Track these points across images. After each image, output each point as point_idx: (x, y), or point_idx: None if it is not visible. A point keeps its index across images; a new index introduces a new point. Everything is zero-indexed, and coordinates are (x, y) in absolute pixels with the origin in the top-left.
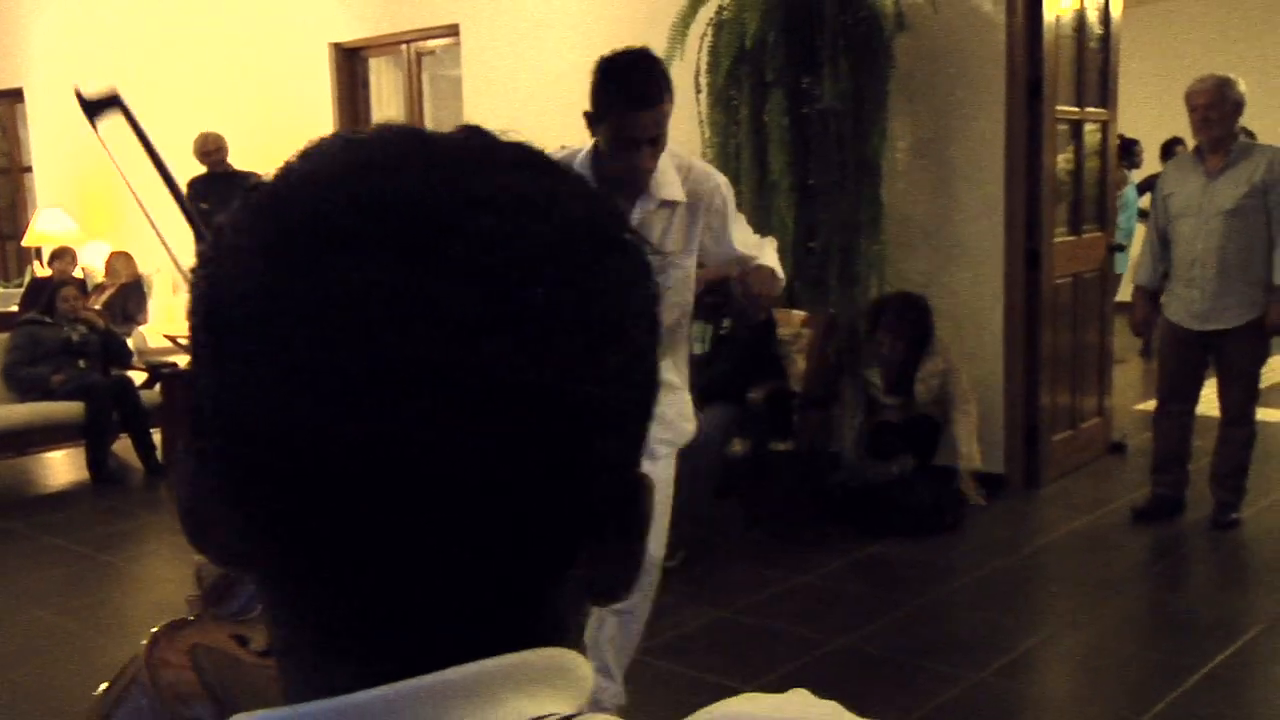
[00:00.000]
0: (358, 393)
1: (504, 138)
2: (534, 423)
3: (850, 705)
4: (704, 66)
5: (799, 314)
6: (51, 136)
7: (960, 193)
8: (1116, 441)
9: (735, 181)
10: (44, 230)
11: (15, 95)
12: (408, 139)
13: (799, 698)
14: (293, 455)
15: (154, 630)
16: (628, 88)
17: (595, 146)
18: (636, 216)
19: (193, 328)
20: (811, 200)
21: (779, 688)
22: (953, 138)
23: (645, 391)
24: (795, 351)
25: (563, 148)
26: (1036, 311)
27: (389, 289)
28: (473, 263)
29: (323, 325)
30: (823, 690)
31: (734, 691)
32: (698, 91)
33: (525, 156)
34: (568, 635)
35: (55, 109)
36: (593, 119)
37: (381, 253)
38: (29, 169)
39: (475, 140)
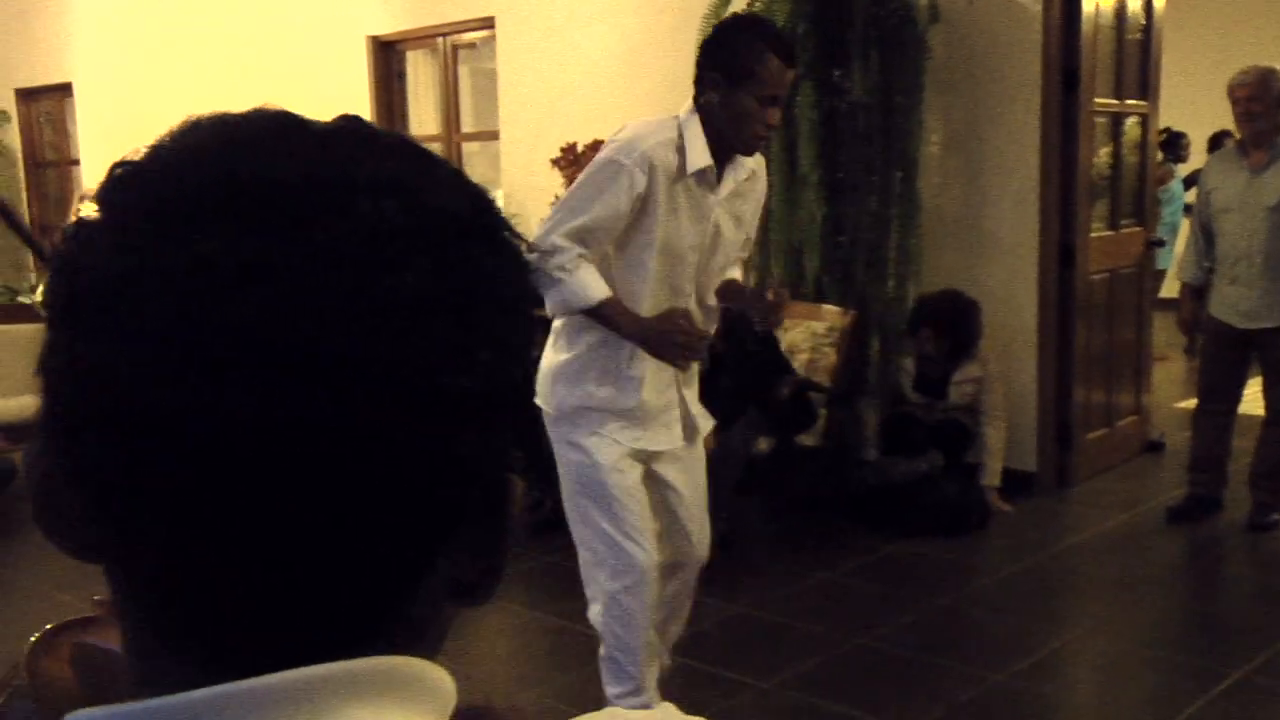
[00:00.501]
0: (215, 374)
1: (383, 129)
2: (395, 413)
3: (865, 704)
4: None
5: (831, 309)
6: (99, 129)
7: (993, 187)
8: (1154, 440)
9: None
10: None
11: (65, 90)
12: (284, 121)
13: (662, 713)
14: (140, 436)
15: (36, 635)
16: (782, 44)
17: (703, 110)
18: (729, 186)
19: (51, 305)
20: (840, 194)
21: (795, 685)
22: (986, 131)
23: (516, 391)
24: (827, 346)
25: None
26: (1071, 307)
27: (257, 269)
28: (343, 247)
29: (186, 303)
30: (839, 689)
31: (749, 688)
32: None
33: (403, 145)
34: (426, 641)
35: (102, 102)
36: (725, 79)
37: (252, 232)
38: (77, 162)
39: (353, 127)
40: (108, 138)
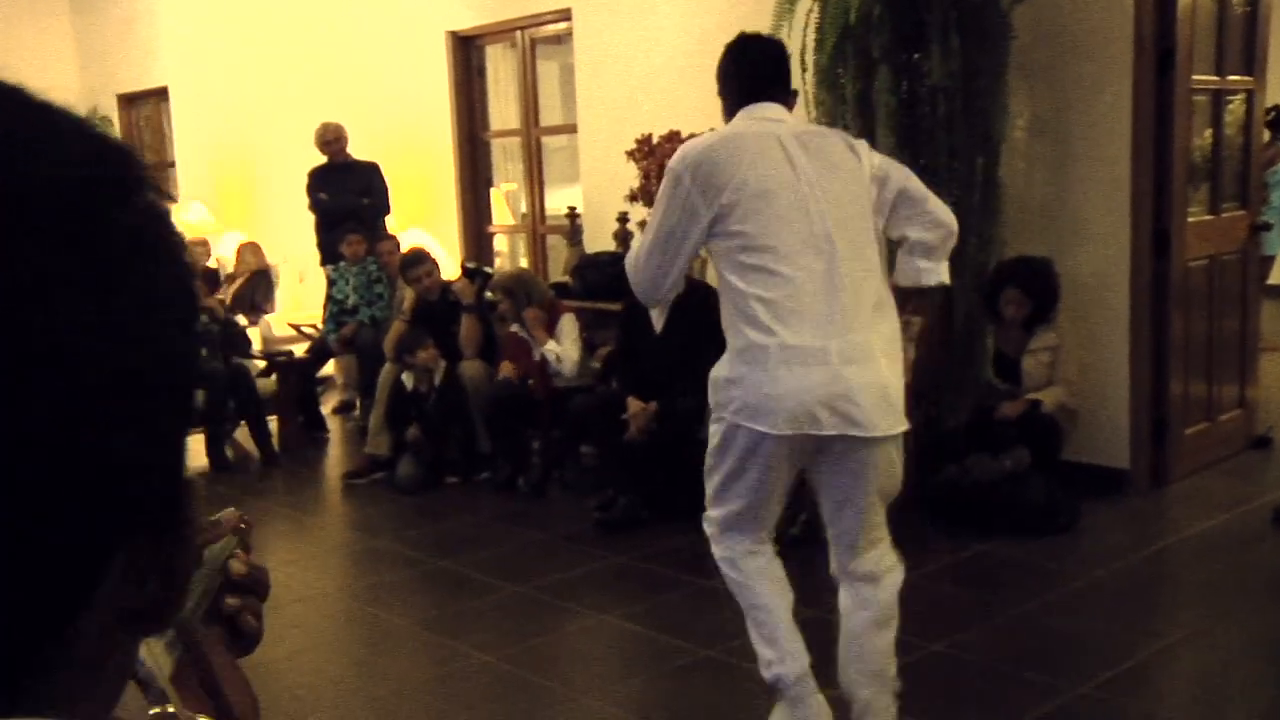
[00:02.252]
0: None
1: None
2: (27, 405)
3: (938, 716)
4: (810, 44)
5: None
6: (193, 132)
7: (1082, 171)
8: (1262, 435)
9: None
10: (183, 222)
11: (162, 94)
12: None
13: None
14: None
15: None
16: None
17: None
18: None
19: None
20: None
21: None
22: (1074, 114)
23: (175, 387)
24: (906, 341)
25: None
26: (1166, 295)
27: None
28: None
29: None
30: (910, 698)
31: None
32: (803, 70)
33: (16, 95)
34: (104, 681)
35: (195, 105)
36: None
37: None
38: (174, 164)
39: None
40: (201, 140)
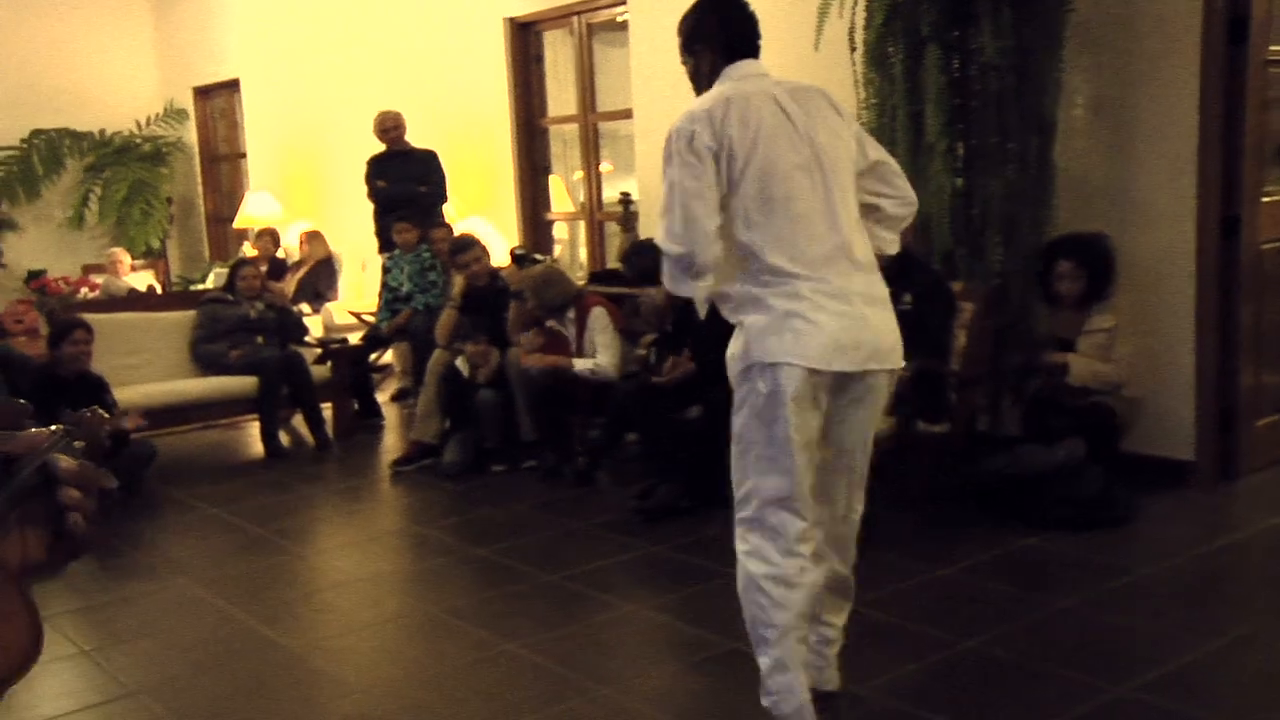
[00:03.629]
0: None
1: None
2: None
3: (967, 715)
4: (859, 22)
5: (959, 287)
6: (261, 123)
7: (1145, 152)
8: None
9: (890, 144)
10: (252, 213)
11: (234, 86)
12: None
13: None
14: None
15: None
16: None
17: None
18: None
19: None
20: (972, 164)
21: (893, 691)
22: (1136, 91)
23: None
24: (956, 326)
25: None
26: (1235, 281)
27: None
28: None
29: None
30: (940, 697)
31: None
32: (852, 49)
33: None
34: None
35: (264, 96)
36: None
37: None
38: (244, 155)
39: None
40: (269, 130)
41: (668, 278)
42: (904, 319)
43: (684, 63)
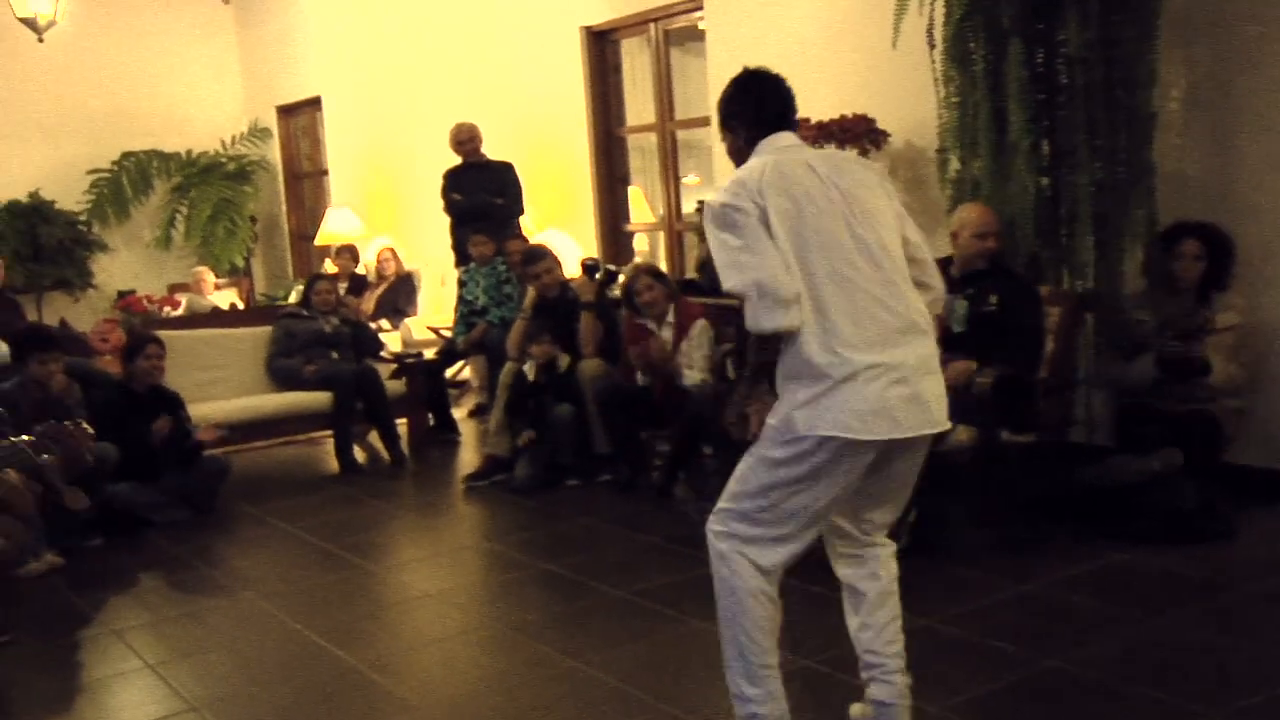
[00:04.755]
0: None
1: None
2: None
3: None
4: (939, 18)
5: (1049, 290)
6: (342, 140)
7: (1248, 146)
8: None
9: (972, 144)
10: (333, 229)
11: (316, 104)
12: None
13: None
14: None
15: None
16: None
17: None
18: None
19: None
20: (1058, 162)
21: (969, 711)
22: (1238, 81)
23: None
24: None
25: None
26: None
27: None
28: None
29: None
30: (1024, 717)
31: (916, 712)
32: (931, 46)
33: None
34: None
35: (345, 113)
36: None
37: None
38: (327, 172)
39: None
40: (350, 147)
41: (755, 322)
42: (988, 320)
43: (722, 139)
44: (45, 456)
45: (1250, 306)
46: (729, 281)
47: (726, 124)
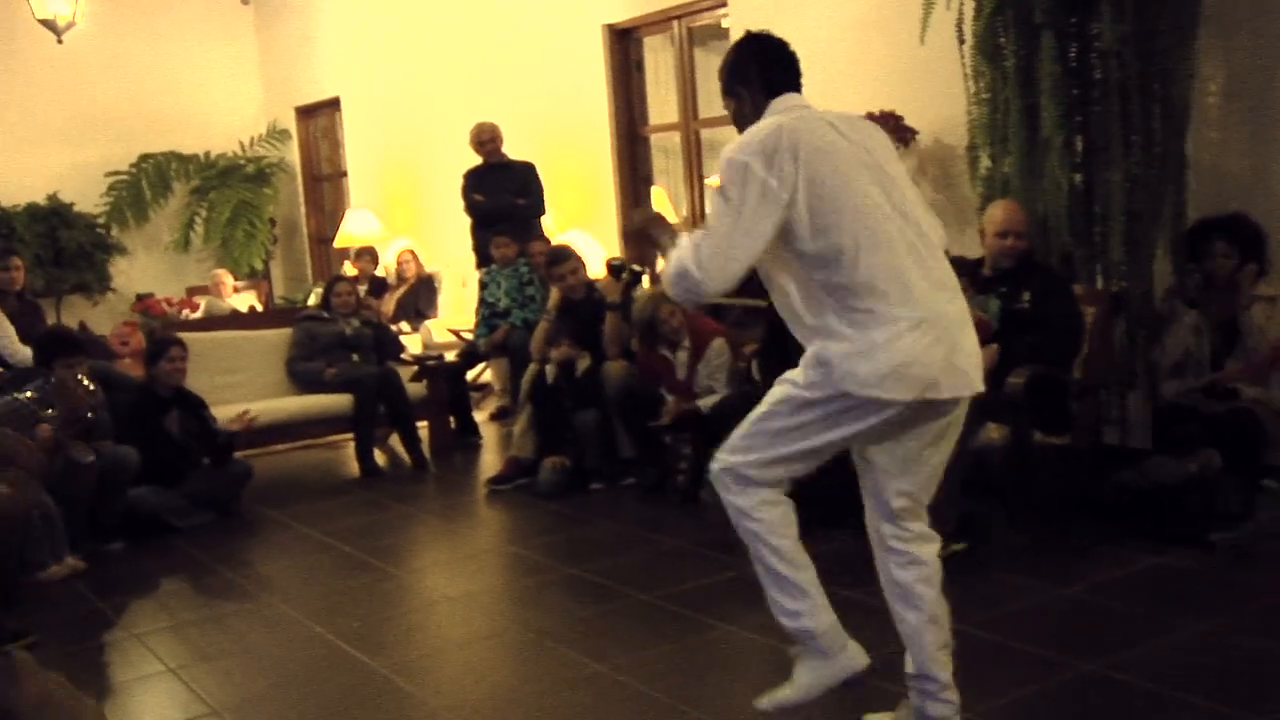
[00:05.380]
0: None
1: None
2: None
3: None
4: (968, 13)
5: (1081, 289)
6: (362, 141)
7: None
8: None
9: (1004, 140)
10: (353, 231)
11: (335, 105)
12: None
13: None
14: None
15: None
16: None
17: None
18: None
19: None
20: (1092, 157)
21: (1011, 716)
22: (1275, 74)
23: None
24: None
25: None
26: None
27: None
28: None
29: None
30: None
31: None
32: (960, 42)
33: None
34: None
35: (364, 114)
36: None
37: None
38: (345, 174)
39: None
40: (369, 148)
41: (668, 282)
42: (1020, 318)
43: (726, 106)
44: (50, 411)
45: None
46: (688, 245)
47: (732, 90)
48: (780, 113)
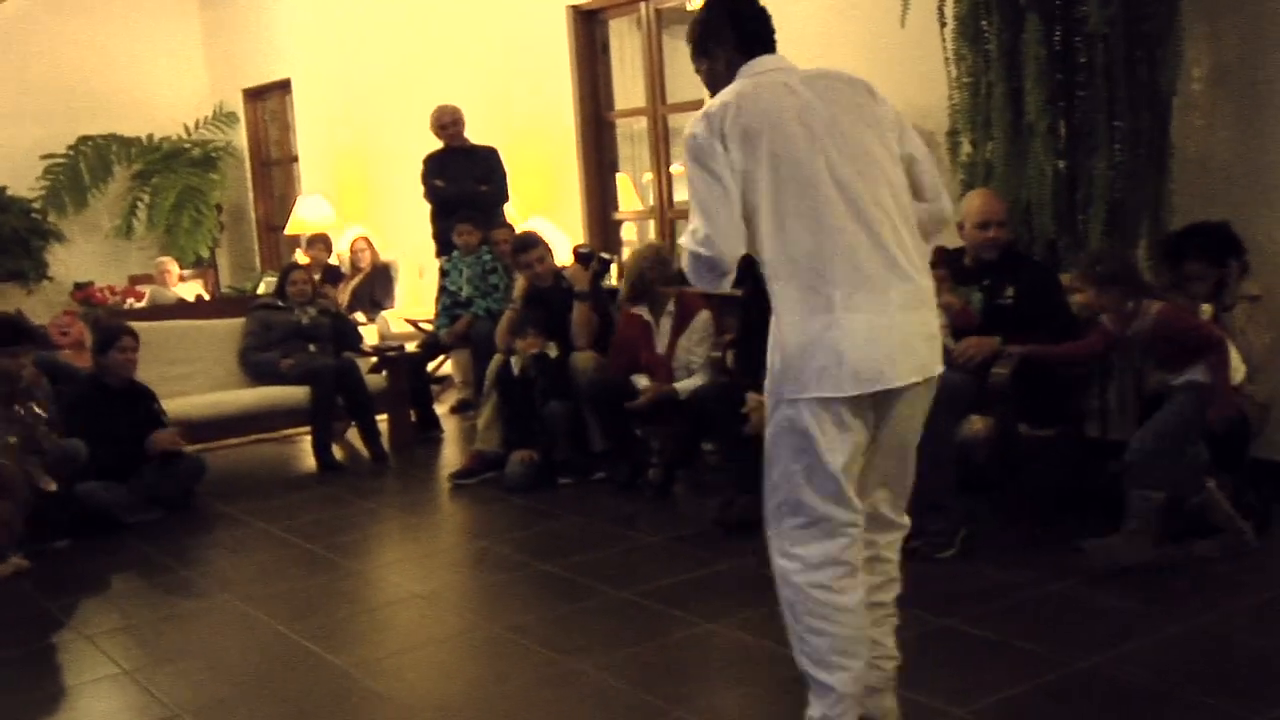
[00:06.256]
0: None
1: None
2: None
3: None
4: None
5: (1067, 278)
6: (314, 124)
7: (1274, 127)
8: None
9: (986, 125)
10: (304, 217)
11: (285, 87)
12: None
13: None
14: None
15: None
16: None
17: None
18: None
19: None
20: (1076, 144)
21: (998, 713)
22: (1267, 59)
23: None
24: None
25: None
26: None
27: None
28: None
29: None
30: (1048, 718)
31: (942, 715)
32: (942, 24)
33: None
34: None
35: (316, 97)
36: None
37: None
38: (296, 159)
39: None
40: (322, 132)
41: (692, 274)
42: (1004, 314)
43: (697, 70)
44: (11, 440)
45: (1274, 296)
46: (685, 236)
47: (703, 49)
48: (751, 76)
